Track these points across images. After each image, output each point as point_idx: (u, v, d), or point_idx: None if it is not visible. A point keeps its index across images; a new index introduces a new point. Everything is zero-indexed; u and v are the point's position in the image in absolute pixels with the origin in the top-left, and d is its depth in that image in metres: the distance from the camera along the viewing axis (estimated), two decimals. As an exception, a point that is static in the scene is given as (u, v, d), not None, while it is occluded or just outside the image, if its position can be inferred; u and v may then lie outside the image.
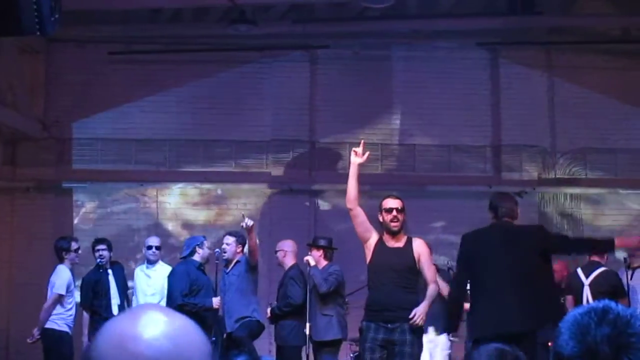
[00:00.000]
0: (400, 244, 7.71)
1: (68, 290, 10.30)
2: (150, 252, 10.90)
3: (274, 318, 10.22)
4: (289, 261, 10.34)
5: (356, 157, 7.68)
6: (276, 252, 10.51)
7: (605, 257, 10.35)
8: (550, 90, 14.19)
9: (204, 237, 10.86)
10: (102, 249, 10.60)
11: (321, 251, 10.11)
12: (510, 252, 7.31)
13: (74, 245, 10.55)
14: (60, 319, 10.26)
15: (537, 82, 14.19)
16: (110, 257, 10.73)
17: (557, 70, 14.20)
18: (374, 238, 7.69)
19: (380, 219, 7.76)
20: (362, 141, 7.87)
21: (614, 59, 14.06)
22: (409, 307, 7.53)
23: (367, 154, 7.73)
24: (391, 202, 7.78)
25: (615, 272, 10.27)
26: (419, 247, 7.79)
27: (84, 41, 13.76)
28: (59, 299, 10.24)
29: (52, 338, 10.23)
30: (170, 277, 10.19)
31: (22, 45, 13.25)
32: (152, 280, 10.75)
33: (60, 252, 10.48)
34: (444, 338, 9.97)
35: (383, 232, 7.76)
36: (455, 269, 7.88)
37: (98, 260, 10.59)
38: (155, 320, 1.41)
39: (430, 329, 9.60)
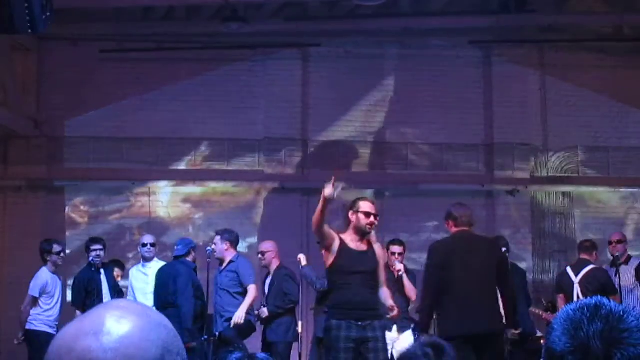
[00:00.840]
0: (364, 246, 7.83)
1: (45, 292, 10.41)
2: (145, 249, 10.92)
3: (270, 317, 10.22)
4: (277, 261, 10.41)
5: (328, 191, 7.54)
6: (263, 253, 10.53)
7: (594, 254, 10.42)
8: (542, 89, 14.20)
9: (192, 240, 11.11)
10: (99, 249, 10.62)
11: None
12: (476, 260, 8.01)
13: (56, 248, 10.62)
14: (37, 320, 10.38)
15: (530, 81, 14.20)
16: (103, 257, 10.76)
17: (549, 68, 14.21)
18: (337, 241, 7.72)
19: (353, 219, 7.80)
20: (334, 178, 7.71)
21: (606, 57, 14.08)
22: (376, 307, 7.77)
23: (340, 186, 7.74)
24: (370, 207, 7.88)
25: (604, 269, 10.33)
26: (379, 251, 8.04)
27: (76, 39, 13.72)
28: (34, 301, 10.37)
29: (31, 339, 10.34)
30: (179, 277, 10.19)
31: (14, 43, 13.20)
32: (150, 278, 10.73)
33: (42, 254, 10.56)
34: (407, 336, 9.88)
35: (347, 231, 7.81)
36: (429, 275, 8.13)
37: (92, 259, 10.59)
38: (100, 325, 1.39)
39: (394, 328, 9.60)
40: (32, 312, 10.44)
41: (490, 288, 8.00)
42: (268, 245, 10.60)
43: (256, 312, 10.23)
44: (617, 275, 10.36)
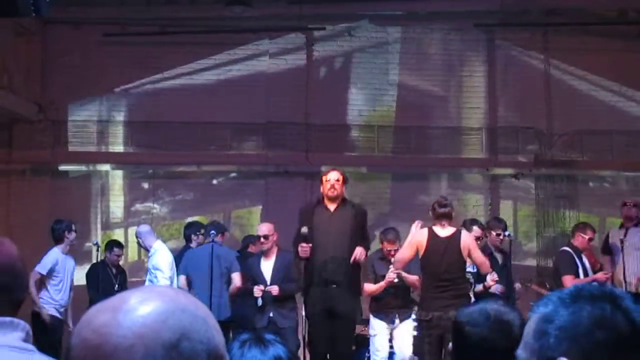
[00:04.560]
0: None
1: (54, 272, 10.24)
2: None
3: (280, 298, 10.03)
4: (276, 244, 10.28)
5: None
6: (267, 237, 10.22)
7: (579, 236, 10.35)
8: (546, 72, 14.16)
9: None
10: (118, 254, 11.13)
11: None
12: None
13: (73, 228, 10.59)
14: (48, 304, 10.20)
15: (534, 64, 14.18)
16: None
17: (553, 52, 14.17)
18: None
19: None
20: None
21: (610, 40, 14.02)
22: None
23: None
24: None
25: (564, 251, 10.17)
26: None
27: (80, 23, 13.72)
28: (40, 281, 10.22)
29: (38, 322, 10.21)
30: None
31: (18, 27, 13.20)
32: (154, 257, 10.42)
33: (61, 233, 10.37)
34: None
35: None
36: None
37: (111, 259, 11.01)
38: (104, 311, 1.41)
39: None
40: (41, 294, 10.30)
41: None
42: (271, 228, 10.42)
43: (267, 289, 10.00)
44: (625, 235, 10.48)
